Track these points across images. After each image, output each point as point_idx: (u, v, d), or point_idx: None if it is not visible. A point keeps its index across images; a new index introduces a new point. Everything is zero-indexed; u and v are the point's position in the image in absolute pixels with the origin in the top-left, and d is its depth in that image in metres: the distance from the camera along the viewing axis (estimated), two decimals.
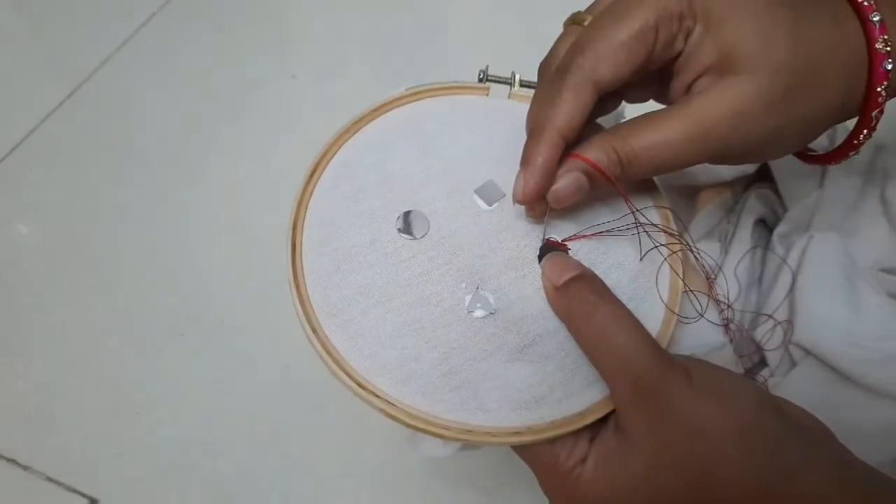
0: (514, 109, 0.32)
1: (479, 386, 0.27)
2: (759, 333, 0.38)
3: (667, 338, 0.28)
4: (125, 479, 0.55)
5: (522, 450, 0.27)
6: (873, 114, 0.28)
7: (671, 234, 0.30)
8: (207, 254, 0.65)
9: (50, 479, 0.55)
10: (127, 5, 0.83)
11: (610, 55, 0.26)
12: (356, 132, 0.31)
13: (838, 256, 0.35)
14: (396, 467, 0.54)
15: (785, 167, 0.38)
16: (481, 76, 0.32)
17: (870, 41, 0.27)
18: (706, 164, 0.39)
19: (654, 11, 0.25)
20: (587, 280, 0.26)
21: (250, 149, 0.71)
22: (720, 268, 0.37)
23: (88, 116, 0.75)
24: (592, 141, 0.27)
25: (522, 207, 0.29)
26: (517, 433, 0.26)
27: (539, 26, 0.77)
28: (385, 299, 0.28)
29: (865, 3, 0.27)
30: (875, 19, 0.27)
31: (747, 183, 0.40)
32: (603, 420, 0.27)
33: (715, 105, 0.26)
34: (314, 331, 0.27)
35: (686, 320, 0.29)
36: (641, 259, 0.29)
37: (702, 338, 0.31)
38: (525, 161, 0.27)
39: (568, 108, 0.26)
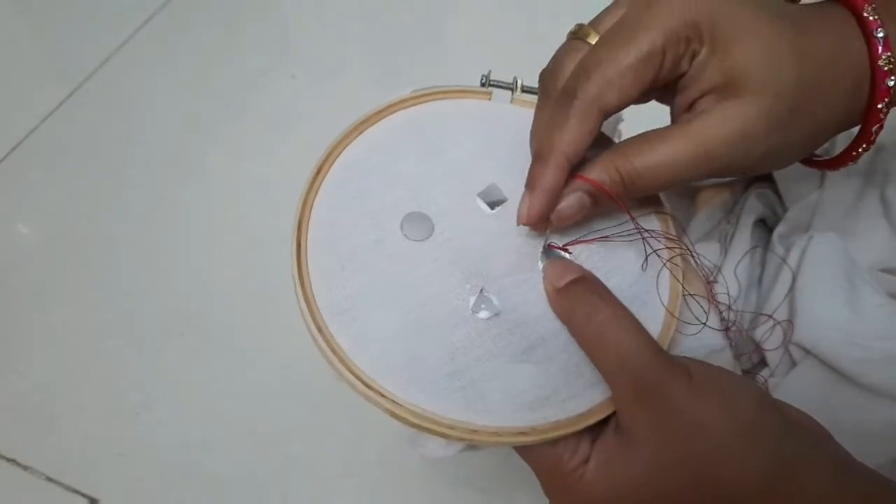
0: (516, 114, 0.32)
1: (485, 386, 0.27)
2: (759, 333, 0.38)
3: (667, 341, 0.28)
4: (125, 479, 0.55)
5: (525, 451, 0.27)
6: (873, 129, 0.28)
7: (671, 239, 0.30)
8: (207, 254, 0.65)
9: (50, 479, 0.55)
10: (127, 5, 0.83)
11: (617, 80, 0.26)
12: (361, 133, 0.31)
13: (838, 256, 0.35)
14: (396, 467, 0.54)
15: (785, 168, 0.38)
16: (483, 81, 0.33)
17: (873, 57, 0.27)
18: None
19: (661, 34, 0.26)
20: (587, 282, 0.27)
21: (250, 149, 0.72)
22: (720, 269, 0.37)
23: (88, 116, 0.75)
24: (596, 161, 0.27)
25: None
26: (522, 433, 0.26)
27: (540, 26, 0.78)
28: (390, 299, 0.28)
29: (870, 19, 0.27)
30: (879, 35, 0.27)
31: (747, 183, 0.40)
32: (604, 421, 0.27)
33: (718, 126, 0.26)
34: (319, 329, 0.27)
35: (687, 330, 0.29)
36: (644, 269, 0.29)
37: (701, 339, 0.31)
38: (531, 185, 0.27)
39: (574, 134, 0.26)
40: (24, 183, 0.72)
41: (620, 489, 0.25)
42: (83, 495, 0.55)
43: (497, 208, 0.30)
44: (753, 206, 0.39)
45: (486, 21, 0.78)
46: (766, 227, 0.40)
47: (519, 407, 0.27)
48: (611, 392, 0.26)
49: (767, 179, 0.40)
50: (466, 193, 0.30)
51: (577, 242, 0.29)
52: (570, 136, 0.26)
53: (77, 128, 0.75)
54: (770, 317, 0.36)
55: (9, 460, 0.56)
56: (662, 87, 0.29)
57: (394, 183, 0.30)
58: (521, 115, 0.32)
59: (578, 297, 0.26)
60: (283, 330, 0.29)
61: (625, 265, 0.29)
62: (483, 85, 0.33)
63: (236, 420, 0.57)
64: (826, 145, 0.36)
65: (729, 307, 0.34)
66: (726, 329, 0.33)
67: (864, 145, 0.29)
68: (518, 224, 0.28)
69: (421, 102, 0.32)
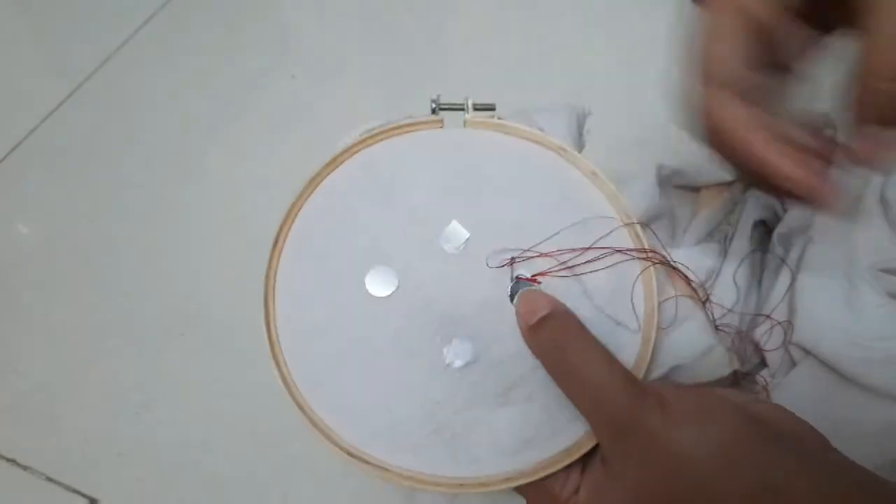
0: (469, 139, 0.32)
1: (468, 437, 0.27)
2: (758, 334, 0.38)
3: (647, 357, 0.28)
4: (125, 479, 0.55)
5: (519, 487, 0.28)
6: None
7: (643, 253, 0.29)
8: (207, 254, 0.65)
9: (50, 479, 0.55)
10: (127, 5, 0.83)
11: None
12: (315, 189, 0.31)
13: (838, 257, 0.35)
14: None
15: None
16: (433, 107, 0.32)
17: None
18: (705, 165, 0.39)
19: None
20: (559, 318, 0.26)
21: (250, 149, 0.72)
22: (719, 271, 0.37)
23: (88, 116, 0.75)
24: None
25: (487, 248, 0.29)
26: (509, 479, 0.27)
27: (539, 26, 0.78)
28: (364, 364, 0.28)
29: None
30: None
31: (748, 183, 0.40)
32: (593, 448, 0.27)
33: None
34: (300, 407, 0.28)
35: (673, 332, 0.29)
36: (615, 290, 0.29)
37: (686, 345, 0.31)
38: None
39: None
40: (24, 183, 0.72)
41: None
42: (83, 495, 0.55)
43: (460, 247, 0.29)
44: (754, 207, 0.39)
45: (486, 21, 0.78)
46: (766, 227, 0.40)
47: (504, 453, 0.27)
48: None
49: None
50: (428, 237, 0.30)
51: (545, 274, 0.29)
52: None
53: (77, 128, 0.75)
54: (769, 317, 0.36)
55: (9, 460, 0.56)
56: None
57: (353, 238, 0.30)
58: (474, 140, 0.31)
59: (550, 336, 0.26)
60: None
61: (597, 285, 0.29)
62: (434, 111, 0.32)
63: (236, 420, 0.57)
64: None
65: (728, 310, 0.33)
66: (716, 328, 0.33)
67: None
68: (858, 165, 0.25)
69: (372, 143, 0.31)
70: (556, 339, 0.26)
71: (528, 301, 0.27)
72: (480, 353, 0.28)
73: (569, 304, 0.27)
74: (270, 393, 0.60)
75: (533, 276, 0.29)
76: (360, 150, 0.31)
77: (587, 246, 0.29)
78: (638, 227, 0.30)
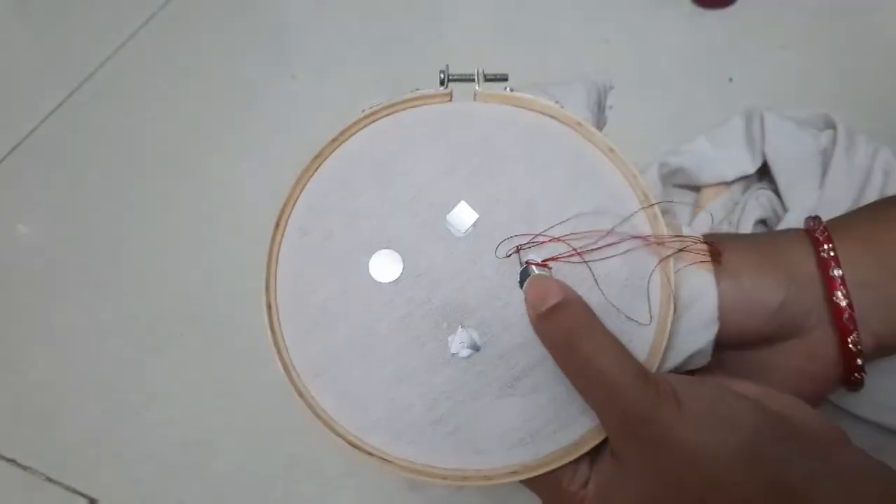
0: (479, 113, 0.30)
1: (473, 428, 0.26)
2: None
3: (661, 349, 0.27)
4: (125, 479, 0.55)
5: (526, 480, 0.27)
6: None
7: (659, 239, 0.28)
8: (207, 254, 0.65)
9: (50, 479, 0.55)
10: (127, 5, 0.83)
11: None
12: (317, 169, 0.29)
13: None
14: None
15: (785, 168, 0.38)
16: (442, 78, 0.30)
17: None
18: (706, 163, 0.39)
19: None
20: (570, 306, 0.25)
21: (250, 149, 0.71)
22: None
23: (88, 116, 0.75)
24: None
25: (498, 230, 0.28)
26: (513, 472, 0.26)
27: (540, 26, 0.78)
28: (367, 352, 0.27)
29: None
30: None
31: (748, 183, 0.40)
32: (602, 442, 0.26)
33: None
34: (300, 394, 0.27)
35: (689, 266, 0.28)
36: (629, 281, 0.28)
37: (698, 332, 0.30)
38: None
39: None
40: (24, 183, 0.72)
41: None
42: (83, 495, 0.55)
43: (468, 229, 0.28)
44: (754, 207, 0.39)
45: (486, 21, 0.78)
46: (766, 227, 0.40)
47: (509, 445, 0.26)
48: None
49: (769, 180, 0.40)
50: (434, 219, 0.28)
51: (556, 259, 0.27)
52: None
53: (77, 128, 0.75)
54: None
55: (8, 460, 0.56)
56: None
57: (356, 221, 0.28)
58: (484, 114, 0.29)
59: (560, 326, 0.25)
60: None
61: (610, 273, 0.27)
62: (442, 83, 0.30)
63: (236, 420, 0.57)
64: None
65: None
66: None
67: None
68: None
69: (376, 119, 0.30)
70: (566, 328, 0.25)
71: (537, 288, 0.26)
72: (487, 342, 0.27)
73: (581, 292, 0.26)
74: (271, 393, 0.60)
75: (544, 261, 0.27)
76: (365, 126, 0.30)
77: (603, 230, 0.28)
78: (657, 210, 0.28)
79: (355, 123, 0.29)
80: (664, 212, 0.29)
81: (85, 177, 0.71)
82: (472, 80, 0.30)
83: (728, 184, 0.40)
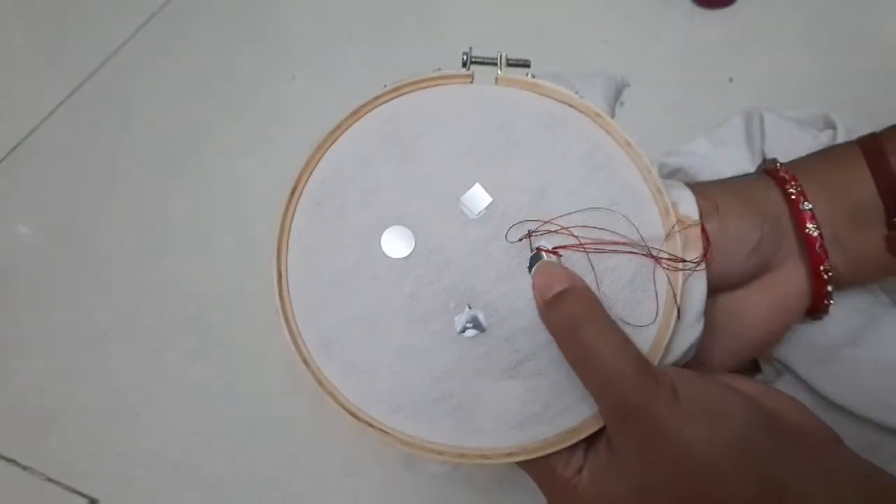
0: (500, 97, 0.30)
1: (473, 408, 0.27)
2: None
3: (663, 343, 0.27)
4: (125, 479, 0.55)
5: (522, 462, 0.27)
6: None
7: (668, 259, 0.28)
8: (207, 254, 0.65)
9: (50, 479, 0.55)
10: (127, 5, 0.83)
11: None
12: (335, 141, 0.29)
13: None
14: (397, 466, 0.54)
15: None
16: (465, 59, 0.30)
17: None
18: (705, 163, 0.39)
19: None
20: (576, 294, 0.25)
21: (250, 149, 0.71)
22: None
23: (88, 116, 0.75)
24: None
25: (510, 215, 0.28)
26: (510, 453, 0.26)
27: (541, 26, 0.78)
28: (374, 326, 0.27)
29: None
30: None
31: None
32: (600, 430, 0.27)
33: None
34: (306, 363, 0.27)
35: (687, 266, 0.28)
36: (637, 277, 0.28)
37: (687, 331, 0.30)
38: None
39: None
40: (24, 183, 0.72)
41: (613, 502, 0.25)
42: (83, 495, 0.55)
43: (481, 212, 0.28)
44: None
45: (485, 21, 0.78)
46: None
47: (508, 426, 0.27)
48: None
49: None
50: (449, 198, 0.28)
51: (568, 248, 0.28)
52: None
53: (77, 128, 0.75)
54: None
55: (8, 460, 0.56)
56: None
57: (371, 196, 0.28)
58: (504, 98, 0.30)
59: (566, 312, 0.25)
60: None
61: (619, 265, 0.28)
62: (465, 65, 0.30)
63: (236, 420, 0.57)
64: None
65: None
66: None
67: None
68: None
69: (396, 96, 0.30)
70: (571, 315, 0.25)
71: (546, 274, 0.26)
72: (493, 324, 0.27)
73: (588, 281, 0.26)
74: (270, 393, 0.60)
75: (554, 248, 0.27)
76: (384, 102, 0.30)
77: (614, 231, 0.28)
78: (669, 205, 0.28)
79: (376, 98, 0.29)
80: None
81: (85, 177, 0.71)
82: (495, 64, 0.30)
83: None
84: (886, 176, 0.30)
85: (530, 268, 0.27)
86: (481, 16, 0.78)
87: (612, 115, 0.33)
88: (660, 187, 0.28)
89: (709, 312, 0.29)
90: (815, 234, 0.30)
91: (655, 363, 0.27)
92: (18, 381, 0.60)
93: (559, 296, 0.25)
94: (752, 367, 0.39)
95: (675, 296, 0.28)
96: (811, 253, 0.31)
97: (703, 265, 0.29)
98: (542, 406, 0.27)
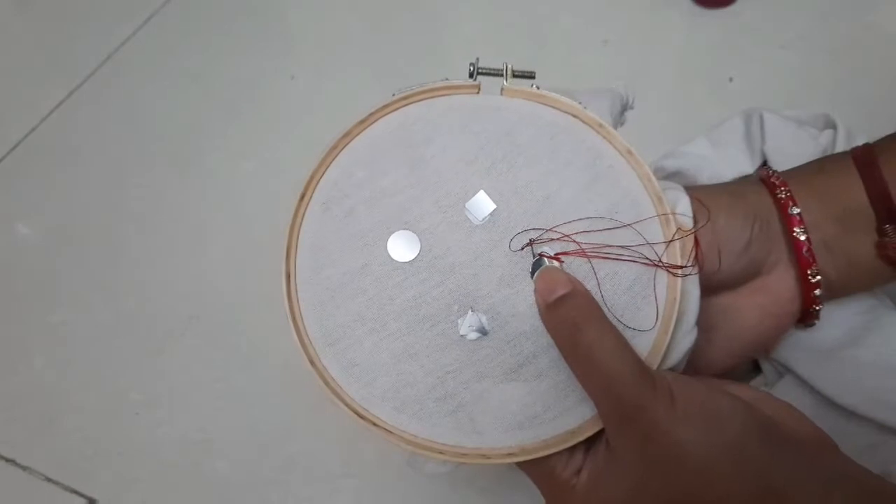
0: (505, 107, 0.31)
1: (474, 408, 0.27)
2: None
3: (662, 348, 0.28)
4: (125, 479, 0.55)
5: (521, 463, 0.28)
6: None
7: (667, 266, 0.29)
8: (207, 254, 0.65)
9: (49, 480, 0.55)
10: (127, 5, 0.83)
11: None
12: (345, 147, 0.30)
13: None
14: (396, 467, 0.54)
15: (785, 168, 0.38)
16: (471, 70, 0.31)
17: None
18: (704, 164, 0.39)
19: None
20: (577, 298, 0.26)
21: (250, 149, 0.72)
22: None
23: (88, 116, 0.75)
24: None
25: (514, 222, 0.29)
26: (510, 454, 0.27)
27: (542, 26, 0.78)
28: (379, 326, 0.28)
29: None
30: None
31: None
32: (599, 432, 0.27)
33: None
34: (312, 362, 0.28)
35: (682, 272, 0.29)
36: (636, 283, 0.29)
37: (682, 340, 0.30)
38: None
39: None
40: (24, 183, 0.72)
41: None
42: (82, 495, 0.55)
43: (485, 218, 0.29)
44: None
45: (485, 21, 0.78)
46: None
47: (508, 427, 0.27)
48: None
49: None
50: (454, 205, 0.29)
51: (570, 254, 0.28)
52: None
53: (77, 128, 0.75)
54: None
55: (8, 460, 0.56)
56: None
57: (379, 200, 0.29)
58: (509, 108, 0.31)
59: (566, 316, 0.26)
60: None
61: (619, 271, 0.28)
62: (471, 75, 0.31)
63: (236, 420, 0.57)
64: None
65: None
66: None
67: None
68: None
69: (405, 105, 0.31)
70: (572, 318, 0.26)
71: (547, 279, 0.27)
72: (496, 327, 0.28)
73: (589, 286, 0.27)
74: (271, 393, 0.60)
75: (556, 254, 0.28)
76: (394, 110, 0.30)
77: (615, 238, 0.29)
78: (670, 214, 0.29)
79: (385, 106, 0.30)
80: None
81: (85, 177, 0.71)
82: (501, 75, 0.31)
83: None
84: (877, 184, 0.31)
85: (532, 273, 0.28)
86: (481, 16, 0.78)
87: (617, 128, 0.34)
88: (660, 195, 0.29)
89: (704, 313, 0.30)
90: (803, 238, 0.31)
91: (654, 368, 0.28)
92: (18, 380, 0.60)
93: (560, 300, 0.26)
94: (752, 369, 0.39)
95: (674, 301, 0.28)
96: (799, 257, 0.31)
97: (695, 271, 0.29)
98: (543, 407, 0.27)
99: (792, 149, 0.37)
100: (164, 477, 0.55)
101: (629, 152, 0.30)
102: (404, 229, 0.29)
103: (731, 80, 0.69)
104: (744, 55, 0.71)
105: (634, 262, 0.28)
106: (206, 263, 0.65)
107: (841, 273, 0.32)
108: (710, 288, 0.31)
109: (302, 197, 0.29)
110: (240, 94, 0.76)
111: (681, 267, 0.28)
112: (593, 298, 0.26)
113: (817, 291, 0.32)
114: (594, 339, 0.25)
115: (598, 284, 0.28)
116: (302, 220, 0.29)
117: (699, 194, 0.31)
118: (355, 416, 0.28)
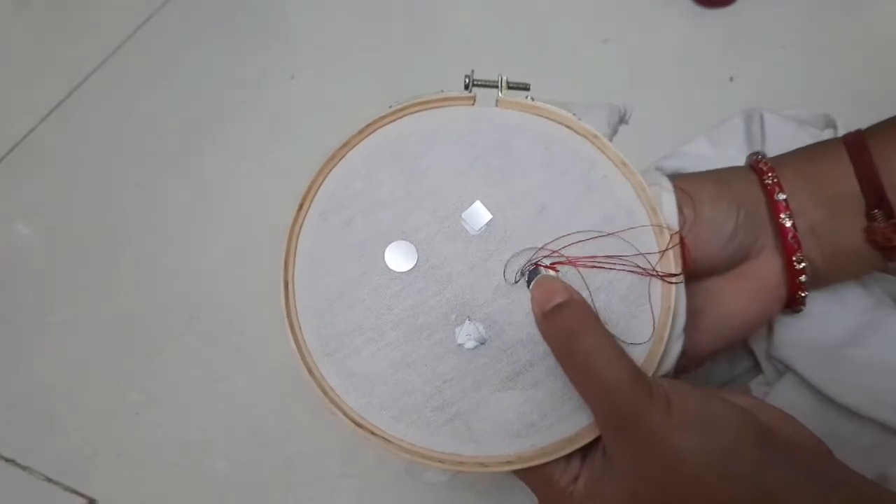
0: (500, 118, 0.31)
1: (472, 417, 0.28)
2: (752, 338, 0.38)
3: (658, 355, 0.28)
4: (125, 479, 0.55)
5: (518, 471, 0.28)
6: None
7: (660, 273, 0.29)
8: (207, 254, 0.65)
9: (49, 480, 0.55)
10: (127, 5, 0.83)
11: None
12: (342, 158, 0.30)
13: None
14: (395, 467, 0.54)
15: None
16: (467, 82, 0.31)
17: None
18: (704, 164, 0.39)
19: None
20: (573, 307, 0.26)
21: (250, 149, 0.72)
22: None
23: (88, 116, 0.75)
24: None
25: (509, 232, 0.29)
26: (508, 462, 0.27)
27: (542, 26, 0.78)
28: (377, 336, 0.28)
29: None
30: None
31: None
32: (596, 439, 0.27)
33: None
34: (310, 370, 0.28)
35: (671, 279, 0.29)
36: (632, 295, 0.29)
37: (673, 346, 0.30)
38: None
39: None
40: (24, 183, 0.72)
41: None
42: (82, 495, 0.55)
43: (481, 228, 0.29)
44: None
45: (485, 20, 0.78)
46: None
47: (506, 435, 0.27)
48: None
49: None
50: (451, 215, 0.29)
51: (566, 263, 0.29)
52: None
53: (77, 128, 0.75)
54: None
55: (8, 460, 0.56)
56: None
57: (376, 211, 0.30)
58: (505, 119, 0.31)
59: (562, 324, 0.26)
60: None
61: (614, 280, 0.29)
62: (467, 87, 0.31)
63: (236, 420, 0.57)
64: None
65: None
66: None
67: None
68: None
69: (401, 116, 0.31)
70: (568, 326, 0.26)
71: (544, 287, 0.27)
72: (493, 336, 0.28)
73: (585, 295, 0.27)
74: (270, 393, 0.60)
75: (552, 263, 0.29)
76: (390, 121, 0.31)
77: (610, 248, 0.29)
78: (662, 224, 0.29)
79: (382, 118, 0.31)
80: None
81: (85, 177, 0.71)
82: (496, 87, 0.31)
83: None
84: (867, 169, 0.31)
85: (528, 282, 0.28)
86: (481, 16, 0.78)
87: (614, 136, 0.34)
88: (654, 207, 0.30)
89: (691, 298, 0.30)
90: (789, 224, 0.31)
91: (652, 369, 0.28)
92: (18, 380, 0.60)
93: (557, 308, 0.26)
94: (753, 367, 0.39)
95: (669, 310, 0.28)
96: (784, 243, 0.31)
97: (682, 277, 0.30)
98: (540, 416, 0.28)
99: (792, 149, 0.37)
100: (164, 477, 0.55)
101: (623, 163, 0.30)
102: (401, 239, 0.29)
103: (731, 79, 0.69)
104: (744, 55, 0.71)
105: (630, 271, 0.29)
106: (206, 263, 0.65)
107: (827, 260, 0.32)
108: (697, 274, 0.32)
109: (300, 207, 0.30)
110: (240, 94, 0.76)
111: (675, 275, 0.29)
112: (589, 307, 0.27)
113: (802, 278, 0.32)
114: (591, 347, 0.25)
115: (593, 294, 0.28)
116: (300, 230, 0.30)
117: (683, 183, 0.32)
118: (353, 425, 0.28)
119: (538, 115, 0.31)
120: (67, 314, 0.63)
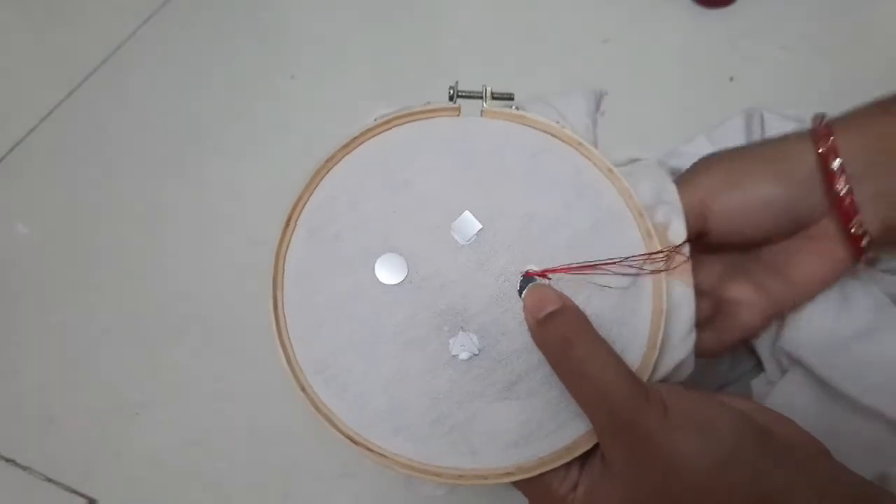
0: (485, 129, 0.31)
1: (469, 429, 0.27)
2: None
3: (652, 359, 0.28)
4: (124, 479, 0.55)
5: (517, 481, 0.28)
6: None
7: (655, 257, 0.29)
8: (207, 254, 0.65)
9: (49, 480, 0.55)
10: (127, 5, 0.83)
11: None
12: (328, 172, 0.30)
13: None
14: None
15: None
16: (451, 94, 0.31)
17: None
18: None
19: None
20: (567, 314, 0.26)
21: (250, 149, 0.72)
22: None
23: (88, 116, 0.75)
24: None
25: (500, 241, 0.29)
26: (507, 473, 0.27)
27: (539, 27, 0.78)
28: (369, 351, 0.28)
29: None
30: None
31: None
32: (594, 446, 0.27)
33: None
34: (303, 389, 0.28)
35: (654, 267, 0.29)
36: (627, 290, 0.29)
37: (677, 347, 0.30)
38: None
39: None
40: (24, 183, 0.72)
41: None
42: (82, 495, 0.55)
43: (471, 238, 0.29)
44: None
45: (485, 20, 0.78)
46: None
47: (504, 447, 0.27)
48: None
49: None
50: (440, 226, 0.29)
51: (556, 270, 0.29)
52: None
53: (77, 128, 0.75)
54: None
55: (8, 460, 0.56)
56: None
57: (365, 224, 0.29)
58: (490, 129, 0.31)
59: (556, 331, 0.26)
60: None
61: (606, 286, 0.29)
62: (451, 98, 0.31)
63: (236, 420, 0.57)
64: None
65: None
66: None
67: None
68: None
69: (387, 129, 0.31)
70: (562, 334, 0.26)
71: (537, 296, 0.27)
72: (486, 347, 0.28)
73: (577, 302, 0.27)
74: (270, 393, 0.60)
75: (543, 271, 0.28)
76: (376, 134, 0.31)
77: (598, 248, 0.29)
78: (650, 226, 0.29)
79: (368, 130, 0.31)
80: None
81: (85, 177, 0.71)
82: (480, 98, 0.31)
83: None
84: None
85: (521, 291, 0.28)
86: (481, 16, 0.78)
87: (595, 127, 0.34)
88: (641, 210, 0.30)
89: (751, 268, 0.31)
90: (844, 191, 0.31)
91: (647, 374, 0.28)
92: (18, 381, 0.60)
93: (550, 316, 0.26)
94: (755, 367, 0.39)
95: (661, 312, 0.28)
96: (840, 211, 0.31)
97: (690, 286, 0.29)
98: (537, 425, 0.27)
99: None
100: (164, 477, 0.55)
101: (609, 170, 0.30)
102: (391, 252, 0.29)
103: (731, 79, 0.69)
104: (744, 55, 0.71)
105: (620, 275, 0.29)
106: (206, 263, 0.65)
107: (888, 222, 0.31)
108: (754, 242, 0.33)
109: (287, 223, 0.29)
110: (240, 94, 0.76)
111: (662, 271, 0.29)
112: (583, 313, 0.27)
113: (863, 243, 0.31)
114: (585, 353, 0.25)
115: (586, 300, 0.28)
116: (288, 246, 0.29)
117: (733, 165, 0.32)
118: (349, 441, 0.28)
119: (523, 124, 0.31)
120: (67, 314, 0.63)
